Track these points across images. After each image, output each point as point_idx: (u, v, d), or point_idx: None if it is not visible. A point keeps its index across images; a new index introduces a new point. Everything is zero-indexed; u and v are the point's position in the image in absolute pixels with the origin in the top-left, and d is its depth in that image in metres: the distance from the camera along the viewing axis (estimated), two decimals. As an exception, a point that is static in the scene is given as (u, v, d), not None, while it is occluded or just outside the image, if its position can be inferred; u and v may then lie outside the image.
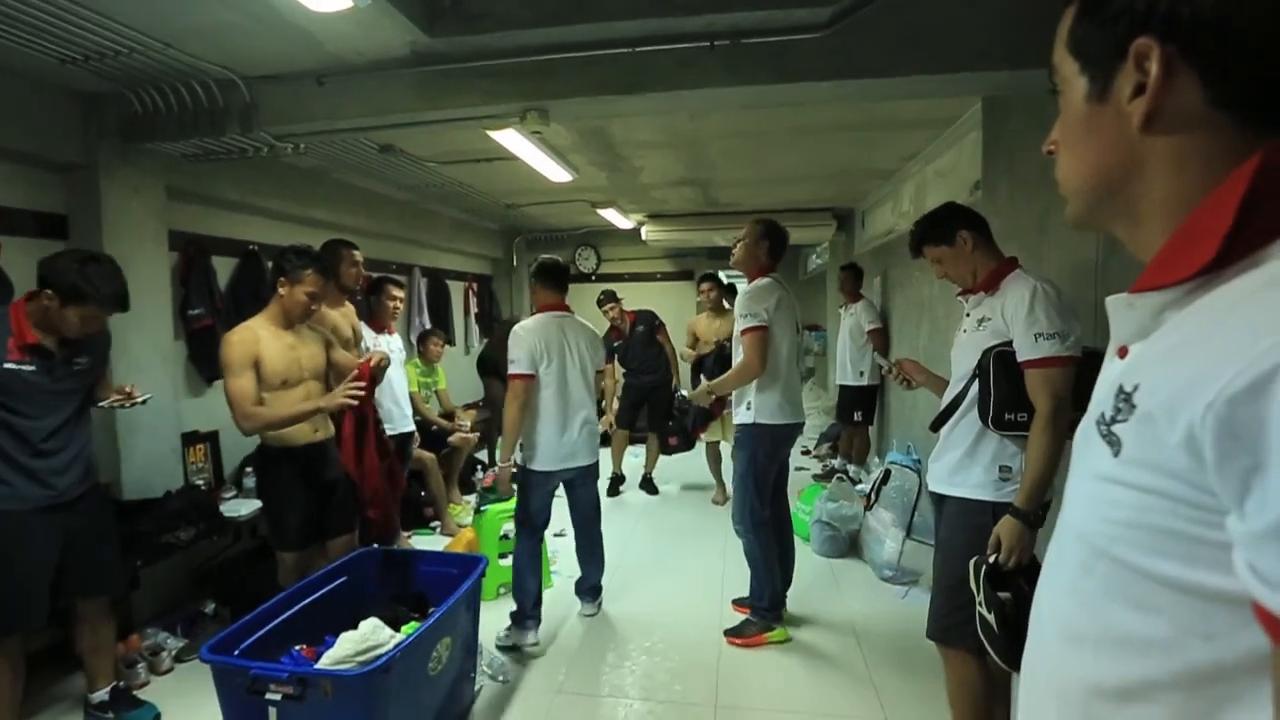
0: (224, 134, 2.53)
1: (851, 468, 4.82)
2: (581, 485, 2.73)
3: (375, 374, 2.40)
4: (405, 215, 5.14)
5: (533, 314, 2.69)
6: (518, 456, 2.64)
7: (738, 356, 2.50)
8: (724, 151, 4.01)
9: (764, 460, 2.49)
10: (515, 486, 2.67)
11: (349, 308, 3.03)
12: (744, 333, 2.42)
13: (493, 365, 5.24)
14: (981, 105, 2.95)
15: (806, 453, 6.06)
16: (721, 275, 4.41)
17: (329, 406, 2.21)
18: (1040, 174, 2.42)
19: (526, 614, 2.61)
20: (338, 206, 4.31)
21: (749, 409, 2.47)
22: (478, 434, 4.72)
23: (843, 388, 4.92)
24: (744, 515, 2.53)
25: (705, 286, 4.30)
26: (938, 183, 3.72)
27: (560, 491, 2.72)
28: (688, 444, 4.53)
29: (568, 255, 7.71)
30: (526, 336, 2.58)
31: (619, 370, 5.00)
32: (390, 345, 3.59)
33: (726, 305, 4.34)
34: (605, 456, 5.47)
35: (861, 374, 4.75)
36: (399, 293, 3.56)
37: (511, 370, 2.55)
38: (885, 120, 3.36)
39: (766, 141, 3.80)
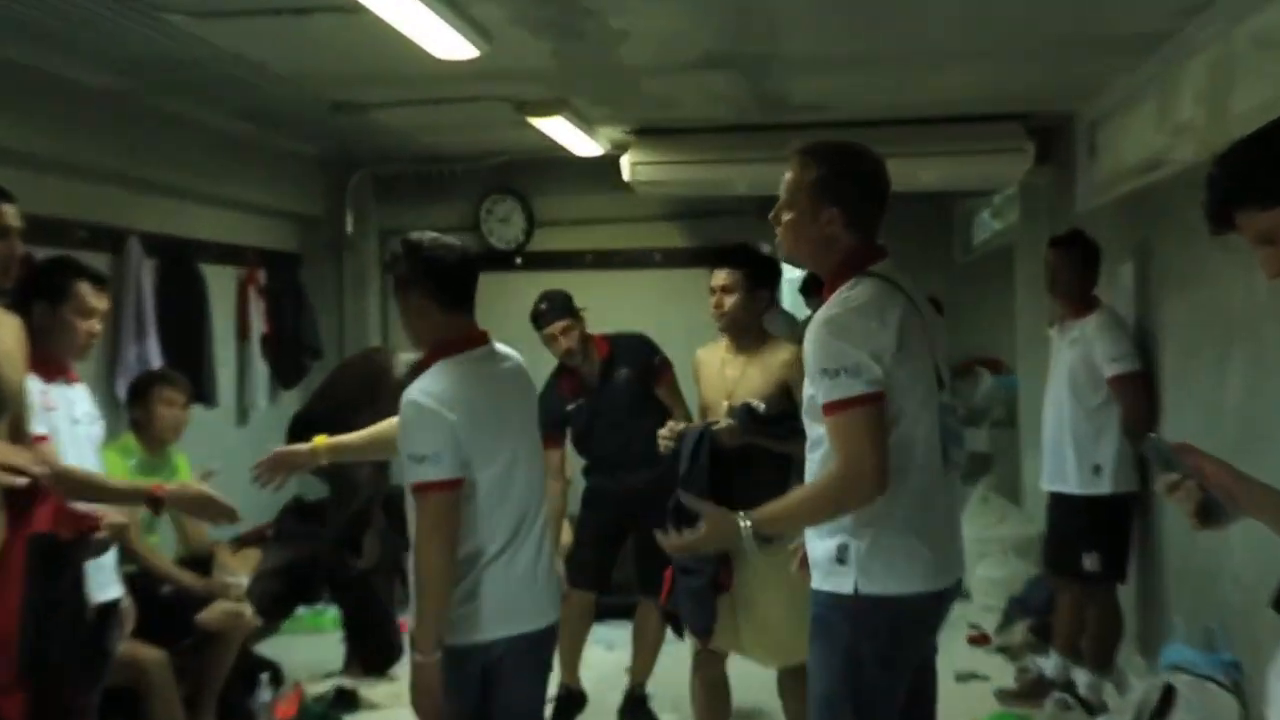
0: None
1: (1083, 675, 4.80)
2: (517, 673, 2.95)
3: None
4: (116, 125, 5.15)
5: (427, 356, 2.95)
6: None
7: (815, 461, 2.62)
8: (801, -2, 4.05)
9: (875, 667, 2.56)
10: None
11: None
12: (831, 410, 2.51)
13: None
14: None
15: (980, 640, 6.11)
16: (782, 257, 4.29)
17: None
18: None
19: None
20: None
21: (842, 560, 2.56)
22: (249, 603, 4.66)
23: (1058, 499, 4.94)
24: None
25: (721, 278, 4.01)
26: (1258, 61, 3.76)
27: None
28: None
29: (465, 212, 7.73)
30: (440, 411, 2.78)
31: (571, 462, 5.00)
32: (72, 407, 3.51)
33: (773, 322, 4.40)
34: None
35: (1098, 470, 4.77)
36: (96, 299, 3.49)
37: (419, 477, 2.77)
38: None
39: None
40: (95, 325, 3.48)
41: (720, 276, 4.00)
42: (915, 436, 2.53)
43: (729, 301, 3.96)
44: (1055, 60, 4.97)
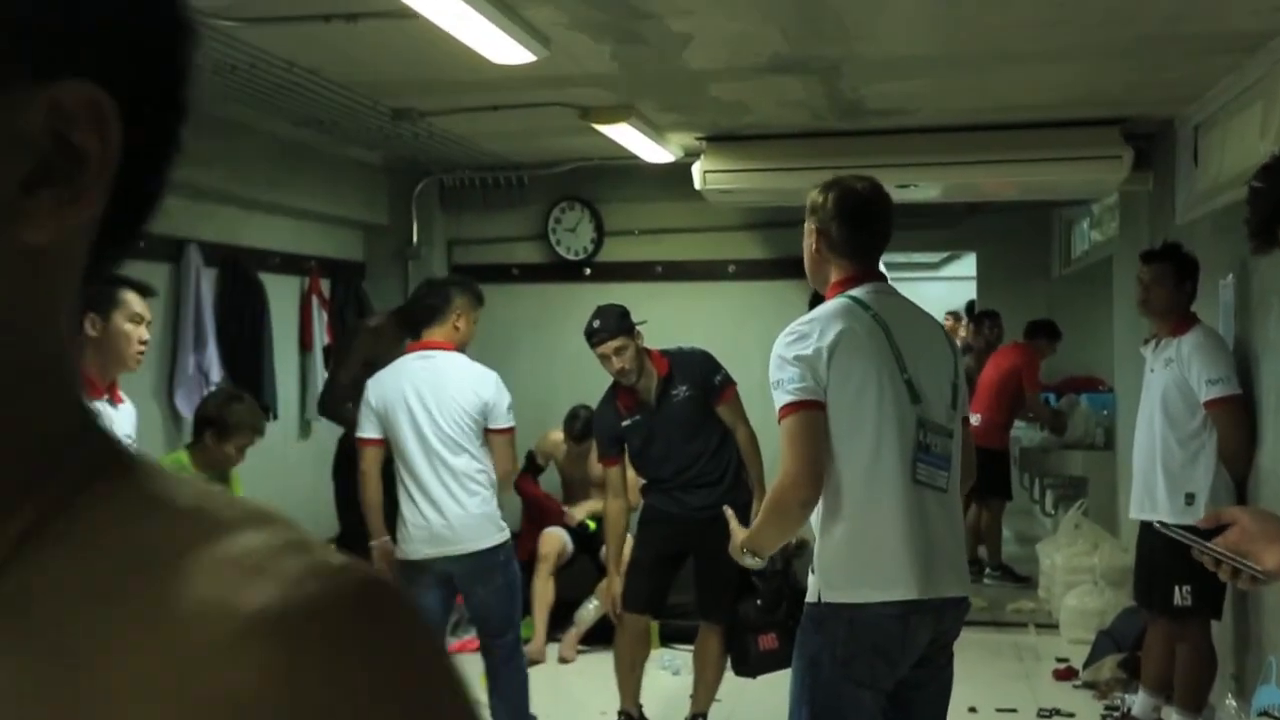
0: None
1: (1174, 716, 4.73)
2: None
3: None
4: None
5: None
6: None
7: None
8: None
9: (831, 671, 2.80)
10: None
11: None
12: (779, 415, 2.84)
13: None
14: None
15: (1065, 675, 6.03)
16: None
17: None
18: None
19: None
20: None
21: (813, 570, 2.86)
22: None
23: (1148, 529, 4.77)
24: None
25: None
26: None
27: None
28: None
29: (533, 221, 7.82)
30: None
31: (632, 481, 5.08)
32: (117, 424, 3.58)
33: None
34: (594, 669, 5.50)
35: (1192, 499, 4.68)
36: (142, 306, 3.61)
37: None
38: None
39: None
40: (144, 332, 3.60)
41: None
42: (857, 449, 2.77)
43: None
44: (1152, 60, 4.87)
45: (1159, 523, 2.47)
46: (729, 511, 3.12)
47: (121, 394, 3.70)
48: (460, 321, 4.57)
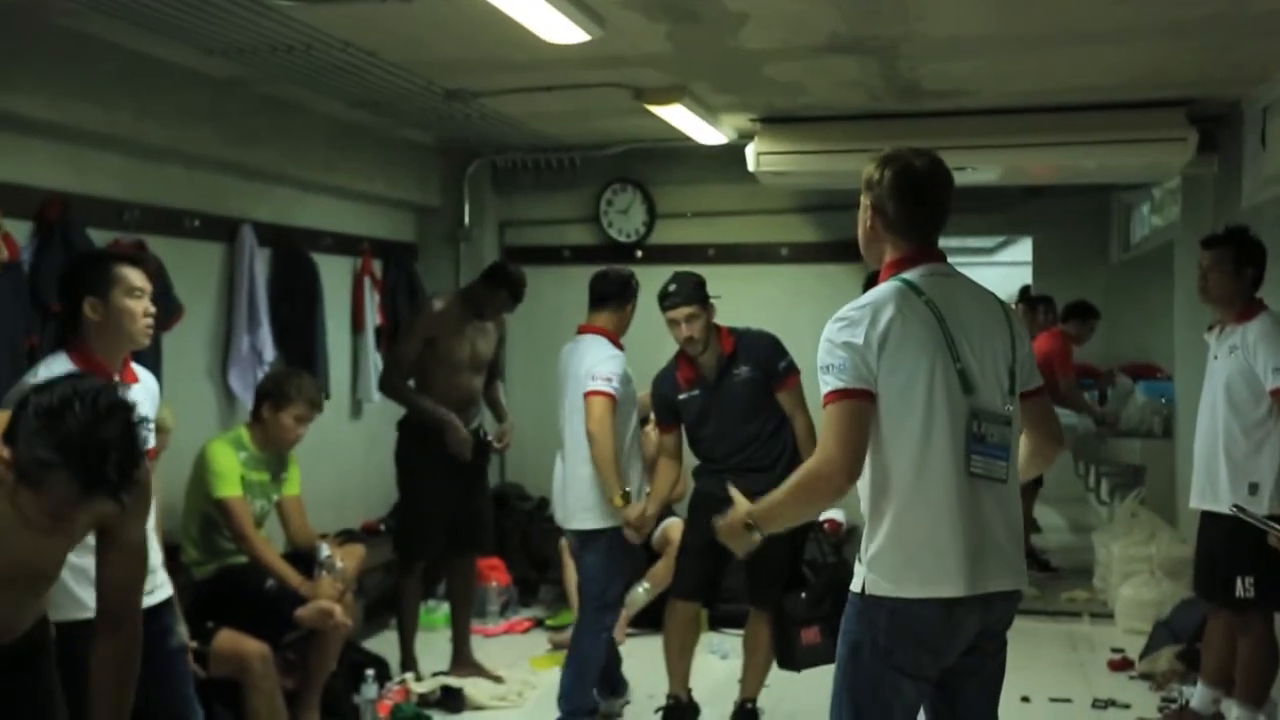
0: None
1: (1234, 710, 4.66)
2: None
3: None
4: (228, 112, 5.30)
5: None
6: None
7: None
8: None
9: (871, 661, 2.77)
10: None
11: None
12: (824, 400, 2.78)
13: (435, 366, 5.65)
14: None
15: (1121, 665, 5.97)
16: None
17: None
18: None
19: None
20: (71, 90, 4.43)
21: (860, 559, 2.81)
22: (348, 598, 4.76)
23: (1209, 518, 4.78)
24: None
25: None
26: None
27: None
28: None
29: (585, 203, 7.81)
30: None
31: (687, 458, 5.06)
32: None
33: None
34: (643, 653, 5.50)
35: (1255, 489, 4.56)
36: (140, 279, 3.47)
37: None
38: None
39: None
40: (149, 304, 3.45)
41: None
42: (906, 441, 2.70)
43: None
44: (1220, 40, 4.79)
45: (1235, 506, 2.39)
46: (734, 490, 3.04)
47: (135, 372, 3.58)
48: (630, 312, 5.03)
